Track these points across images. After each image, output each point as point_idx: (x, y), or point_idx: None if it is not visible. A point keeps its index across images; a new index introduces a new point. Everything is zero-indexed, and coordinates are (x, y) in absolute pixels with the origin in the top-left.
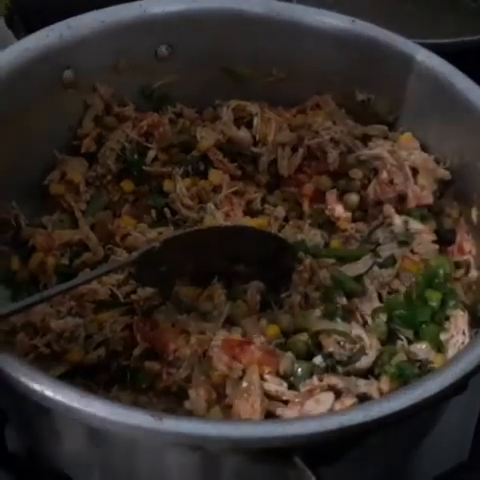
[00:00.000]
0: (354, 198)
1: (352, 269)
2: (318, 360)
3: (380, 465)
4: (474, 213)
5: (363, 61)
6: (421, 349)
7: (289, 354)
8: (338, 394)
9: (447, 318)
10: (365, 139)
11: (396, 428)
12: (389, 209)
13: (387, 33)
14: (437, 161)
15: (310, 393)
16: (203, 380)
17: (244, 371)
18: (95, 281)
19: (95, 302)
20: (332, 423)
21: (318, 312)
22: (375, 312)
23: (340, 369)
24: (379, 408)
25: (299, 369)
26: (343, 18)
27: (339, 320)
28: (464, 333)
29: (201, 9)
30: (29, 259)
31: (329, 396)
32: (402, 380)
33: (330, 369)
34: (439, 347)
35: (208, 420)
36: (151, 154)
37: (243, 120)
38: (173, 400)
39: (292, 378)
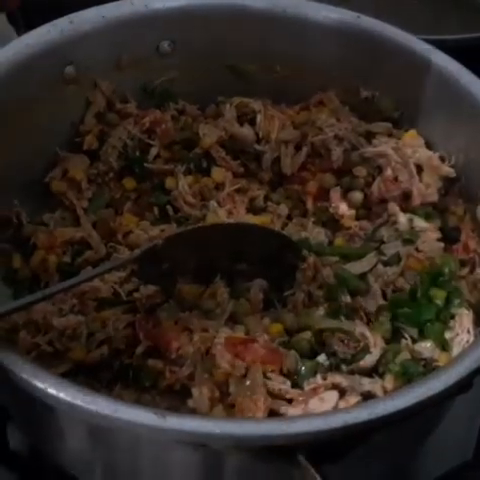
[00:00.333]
0: (358, 196)
1: (356, 267)
2: (322, 358)
3: (384, 463)
4: (479, 211)
5: (367, 57)
6: (426, 347)
7: (293, 352)
8: (342, 392)
9: (452, 316)
10: (369, 136)
11: (400, 426)
12: (393, 207)
13: (392, 29)
14: (442, 158)
15: (314, 391)
16: (206, 378)
17: (247, 369)
18: (97, 279)
19: (97, 300)
20: (336, 421)
21: (322, 310)
22: (379, 310)
23: (344, 367)
24: (384, 406)
25: (303, 367)
26: (348, 14)
27: (343, 318)
28: (469, 331)
29: (203, 4)
30: (31, 257)
31: (333, 394)
32: (406, 378)
33: (334, 367)
34: (444, 345)
35: (211, 418)
36: (153, 151)
37: (246, 117)
38: (176, 398)
39: (296, 376)
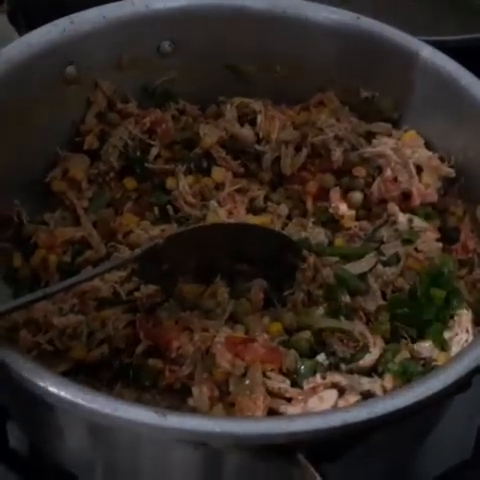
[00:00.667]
0: (358, 196)
1: (356, 267)
2: (321, 358)
3: (384, 462)
4: (479, 211)
5: (367, 58)
6: (425, 347)
7: (292, 352)
8: (341, 392)
9: (451, 316)
10: (369, 137)
11: (400, 425)
12: (393, 207)
13: (391, 30)
14: (441, 159)
15: (313, 390)
16: (206, 377)
17: (247, 368)
18: (97, 278)
19: (98, 299)
20: (336, 420)
21: (321, 310)
22: (379, 310)
23: (343, 367)
24: (383, 405)
25: (302, 367)
26: (347, 14)
27: (342, 318)
28: (468, 331)
29: (204, 5)
30: (31, 256)
31: (332, 393)
32: (406, 378)
33: (333, 367)
34: (443, 345)
35: (211, 417)
36: (154, 151)
37: (247, 117)
38: (176, 397)
39: (295, 376)
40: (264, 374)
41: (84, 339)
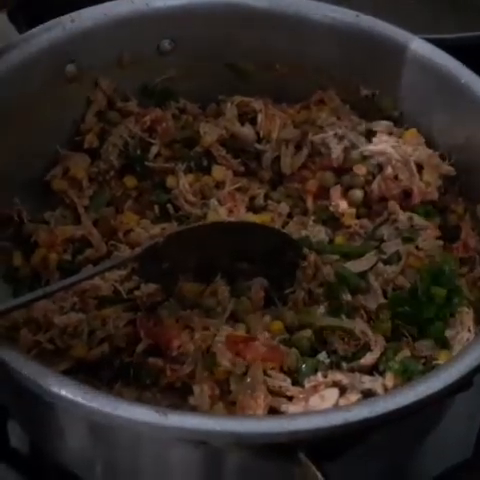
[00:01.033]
0: (358, 194)
1: (356, 265)
2: (322, 356)
3: (385, 461)
4: (479, 209)
5: (367, 56)
6: (426, 345)
7: (293, 350)
8: (343, 390)
9: (452, 315)
10: (369, 135)
11: (401, 424)
12: (394, 205)
13: (391, 28)
14: (442, 157)
15: (314, 389)
16: (207, 376)
17: (248, 367)
18: (98, 277)
19: (98, 298)
20: (337, 418)
21: (322, 308)
22: (380, 308)
23: (344, 365)
24: (384, 404)
25: (303, 365)
26: (347, 13)
27: (343, 316)
28: (469, 330)
29: (204, 3)
30: (31, 255)
31: (334, 392)
32: (407, 376)
33: (334, 365)
34: (444, 344)
35: (212, 415)
36: (154, 150)
37: (247, 116)
38: (177, 396)
39: (296, 374)
40: (265, 373)
41: (84, 338)
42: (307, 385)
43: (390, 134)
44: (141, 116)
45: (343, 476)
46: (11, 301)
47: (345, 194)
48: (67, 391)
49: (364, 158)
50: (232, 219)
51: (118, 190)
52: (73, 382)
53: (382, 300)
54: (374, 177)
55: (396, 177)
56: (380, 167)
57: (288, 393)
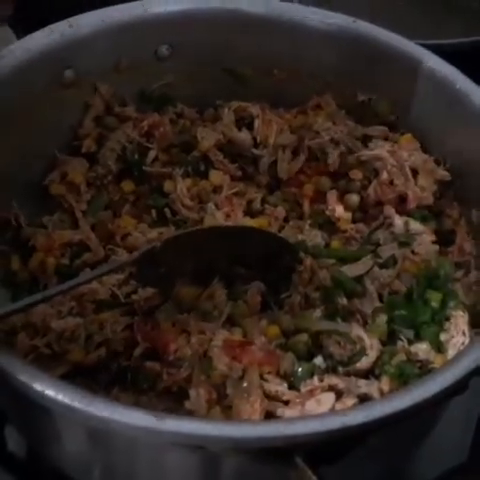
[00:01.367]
0: (354, 199)
1: (352, 270)
2: (318, 360)
3: (381, 465)
4: (474, 214)
5: (364, 61)
6: (421, 349)
7: (289, 354)
8: (339, 394)
9: (447, 318)
10: (365, 140)
11: (397, 428)
12: (389, 210)
13: (388, 33)
14: (437, 162)
15: (311, 393)
16: (203, 380)
17: (244, 371)
18: (95, 281)
19: (95, 302)
20: (333, 423)
21: (318, 312)
22: (375, 312)
23: (340, 369)
24: (381, 408)
25: (299, 369)
26: (344, 18)
27: (339, 320)
28: (464, 333)
29: (202, 9)
30: (29, 259)
31: (330, 396)
32: (402, 380)
33: (331, 369)
34: (439, 347)
35: (209, 420)
36: (151, 154)
37: (244, 121)
38: (173, 400)
39: (292, 378)
40: (261, 377)
41: (82, 342)
42: (303, 389)
43: (386, 139)
44: (139, 121)
45: None
46: (9, 305)
47: (341, 199)
48: (64, 396)
49: (360, 163)
50: (229, 223)
51: (116, 194)
52: (70, 387)
53: (378, 304)
54: (370, 182)
55: (392, 182)
56: (376, 172)
57: (284, 397)
